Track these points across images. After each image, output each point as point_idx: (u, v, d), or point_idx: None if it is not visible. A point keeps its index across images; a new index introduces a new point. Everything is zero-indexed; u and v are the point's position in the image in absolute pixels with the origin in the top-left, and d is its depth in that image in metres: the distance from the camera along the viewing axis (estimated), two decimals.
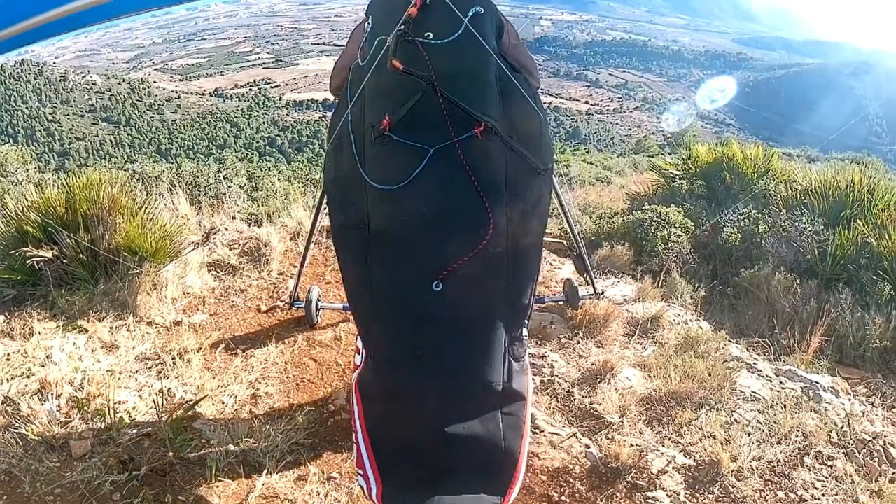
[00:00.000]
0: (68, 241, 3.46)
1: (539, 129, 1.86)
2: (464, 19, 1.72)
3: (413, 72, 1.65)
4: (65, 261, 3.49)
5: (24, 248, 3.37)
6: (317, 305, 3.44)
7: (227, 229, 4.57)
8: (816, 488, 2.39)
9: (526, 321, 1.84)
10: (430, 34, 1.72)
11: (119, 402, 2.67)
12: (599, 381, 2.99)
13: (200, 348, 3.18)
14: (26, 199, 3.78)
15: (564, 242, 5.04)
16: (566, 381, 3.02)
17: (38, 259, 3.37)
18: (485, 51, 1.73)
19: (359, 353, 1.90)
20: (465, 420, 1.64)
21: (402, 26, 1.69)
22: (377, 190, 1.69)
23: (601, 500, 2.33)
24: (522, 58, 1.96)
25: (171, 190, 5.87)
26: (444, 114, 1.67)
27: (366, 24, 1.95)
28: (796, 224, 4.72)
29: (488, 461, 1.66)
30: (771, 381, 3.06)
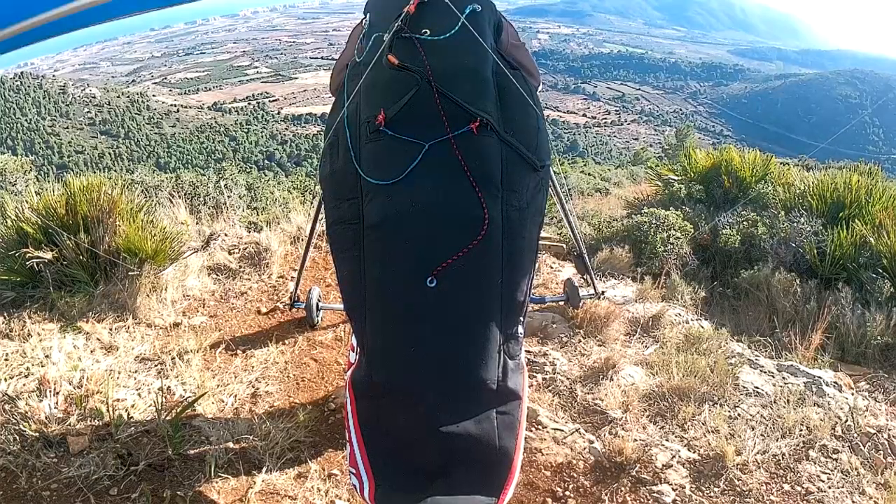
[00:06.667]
0: (68, 242, 3.44)
1: (536, 126, 1.84)
2: (461, 16, 1.72)
3: (408, 67, 1.66)
4: (64, 262, 3.47)
5: (24, 250, 3.35)
6: (317, 306, 3.43)
7: (226, 235, 4.55)
8: (822, 481, 2.37)
9: (522, 319, 1.79)
10: (427, 31, 1.73)
11: (118, 400, 2.64)
12: (602, 378, 2.97)
13: (200, 349, 3.15)
14: (26, 202, 3.77)
15: (564, 245, 5.05)
16: (568, 379, 3.00)
17: (37, 260, 3.35)
18: (481, 48, 1.73)
19: (353, 351, 1.86)
20: (459, 419, 1.60)
21: (400, 23, 1.70)
22: (372, 185, 1.67)
23: (606, 495, 2.30)
24: (522, 57, 1.96)
25: (170, 199, 5.88)
26: (440, 109, 1.67)
27: (363, 22, 1.96)
28: (795, 225, 4.73)
29: (483, 461, 1.62)
30: (773, 377, 3.04)
